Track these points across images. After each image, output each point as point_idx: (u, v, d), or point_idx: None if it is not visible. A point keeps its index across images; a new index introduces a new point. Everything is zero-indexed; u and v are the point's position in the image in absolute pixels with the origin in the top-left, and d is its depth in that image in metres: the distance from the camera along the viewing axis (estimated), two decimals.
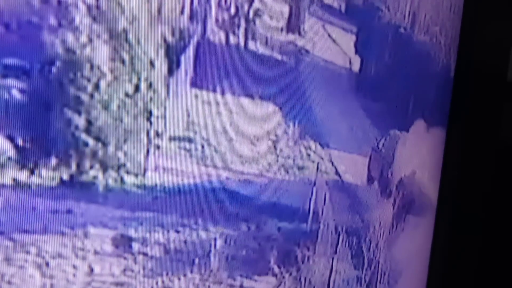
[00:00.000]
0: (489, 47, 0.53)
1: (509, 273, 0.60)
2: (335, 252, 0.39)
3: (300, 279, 0.37)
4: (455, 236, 0.50)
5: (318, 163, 0.37)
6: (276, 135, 0.34)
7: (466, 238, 0.52)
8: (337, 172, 0.38)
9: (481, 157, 0.53)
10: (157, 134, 0.28)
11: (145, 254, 0.29)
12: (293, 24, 0.34)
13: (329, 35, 0.36)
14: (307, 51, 0.35)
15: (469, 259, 0.53)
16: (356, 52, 0.38)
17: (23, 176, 0.25)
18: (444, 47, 0.47)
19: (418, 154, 0.44)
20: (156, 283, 0.29)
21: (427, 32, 0.44)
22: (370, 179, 0.39)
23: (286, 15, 0.33)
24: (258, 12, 0.31)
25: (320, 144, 0.37)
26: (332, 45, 0.36)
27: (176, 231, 0.30)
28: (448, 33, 0.47)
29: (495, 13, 0.52)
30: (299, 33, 0.34)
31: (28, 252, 0.26)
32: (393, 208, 0.41)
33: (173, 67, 0.28)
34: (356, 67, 0.38)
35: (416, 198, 0.43)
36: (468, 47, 0.49)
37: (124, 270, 0.28)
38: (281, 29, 0.33)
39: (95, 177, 0.26)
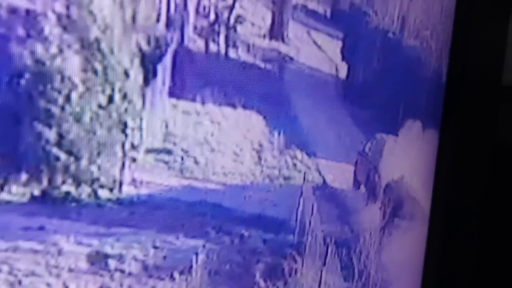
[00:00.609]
0: (482, 51, 0.52)
1: (507, 278, 0.59)
2: (324, 264, 0.38)
3: None
4: (449, 243, 0.49)
5: (305, 173, 0.36)
6: (261, 145, 0.33)
7: (460, 245, 0.51)
8: (325, 182, 0.37)
9: (476, 161, 0.52)
10: (133, 146, 0.27)
11: (122, 271, 0.28)
12: (276, 31, 0.33)
13: (314, 42, 0.35)
14: (291, 59, 0.34)
15: (465, 266, 0.52)
16: (343, 58, 0.37)
17: None
18: (435, 51, 0.46)
19: (407, 158, 0.43)
20: None
21: (417, 36, 0.43)
22: (356, 184, 0.38)
23: (268, 21, 0.32)
24: (239, 19, 0.31)
25: (306, 153, 0.36)
26: (318, 51, 0.36)
27: (155, 247, 0.28)
28: (440, 37, 0.46)
29: (488, 15, 0.51)
30: (283, 40, 0.33)
31: (0, 270, 0.25)
32: (381, 212, 0.40)
33: (149, 76, 0.27)
34: (343, 74, 0.37)
35: (404, 201, 0.42)
36: (461, 52, 0.49)
37: (101, 287, 0.27)
38: (264, 36, 0.32)
39: (67, 193, 0.25)
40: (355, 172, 0.38)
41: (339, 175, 0.38)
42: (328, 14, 0.36)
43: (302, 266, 0.36)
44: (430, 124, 0.46)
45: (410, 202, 0.43)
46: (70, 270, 0.26)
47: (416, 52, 0.44)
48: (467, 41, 0.49)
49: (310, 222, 0.36)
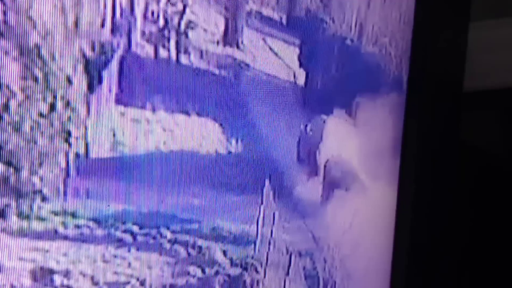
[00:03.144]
0: (443, 57, 0.52)
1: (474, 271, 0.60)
2: (287, 273, 0.37)
3: None
4: (416, 245, 0.49)
5: (265, 181, 0.35)
6: (217, 153, 0.33)
7: (427, 247, 0.51)
8: (285, 189, 0.37)
9: (440, 166, 0.52)
10: (78, 156, 0.26)
11: (69, 287, 0.26)
12: (230, 37, 0.32)
13: (270, 48, 0.35)
14: (247, 65, 0.34)
15: (433, 261, 0.51)
16: (301, 65, 0.37)
17: None
18: (395, 58, 0.46)
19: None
20: None
21: (376, 43, 0.43)
22: (300, 159, 0.37)
23: (221, 27, 0.32)
24: (190, 25, 0.30)
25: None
26: (274, 58, 0.35)
27: (105, 261, 0.27)
28: (399, 44, 0.47)
29: (448, 22, 0.52)
30: (238, 47, 0.33)
31: None
32: (323, 186, 0.39)
33: (93, 83, 0.26)
34: (301, 80, 0.37)
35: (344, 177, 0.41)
36: (421, 59, 0.49)
37: None
38: (217, 43, 0.32)
39: (7, 205, 0.24)
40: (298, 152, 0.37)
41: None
42: (284, 21, 0.35)
43: (265, 277, 0.35)
44: (391, 127, 0.46)
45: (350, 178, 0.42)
46: (13, 287, 0.25)
47: (375, 59, 0.44)
48: (427, 48, 0.49)
49: (271, 231, 0.36)
